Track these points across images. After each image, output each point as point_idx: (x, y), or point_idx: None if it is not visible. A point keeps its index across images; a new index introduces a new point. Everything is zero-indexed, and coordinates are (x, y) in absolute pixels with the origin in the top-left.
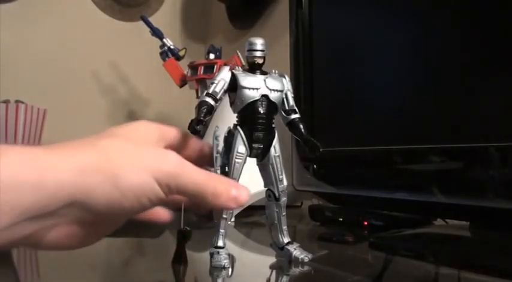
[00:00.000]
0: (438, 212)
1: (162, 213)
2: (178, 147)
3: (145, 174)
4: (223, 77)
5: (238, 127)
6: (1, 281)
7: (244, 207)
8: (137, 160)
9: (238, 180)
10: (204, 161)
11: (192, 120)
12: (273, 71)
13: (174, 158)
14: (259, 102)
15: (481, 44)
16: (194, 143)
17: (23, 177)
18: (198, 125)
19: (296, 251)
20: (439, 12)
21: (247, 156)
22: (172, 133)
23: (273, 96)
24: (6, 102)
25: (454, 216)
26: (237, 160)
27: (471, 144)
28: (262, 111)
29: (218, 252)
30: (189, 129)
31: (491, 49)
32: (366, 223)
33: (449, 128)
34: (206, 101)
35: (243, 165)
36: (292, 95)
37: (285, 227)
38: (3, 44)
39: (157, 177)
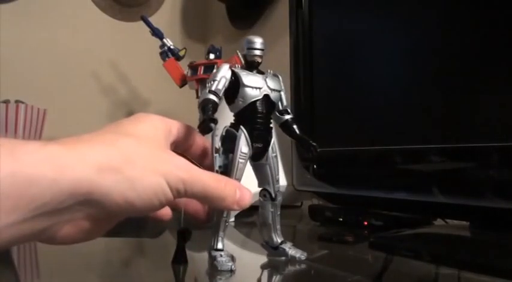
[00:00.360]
0: (438, 212)
1: (164, 212)
2: (185, 142)
3: (159, 178)
4: (224, 75)
5: (241, 127)
6: (1, 281)
7: None
8: (152, 163)
9: (240, 181)
10: (207, 156)
11: (204, 119)
12: (269, 70)
13: (185, 163)
14: (260, 102)
15: (481, 43)
16: (199, 139)
17: (42, 173)
18: (211, 124)
19: (291, 250)
20: (439, 12)
21: (249, 156)
22: (177, 127)
23: (273, 96)
24: (6, 102)
25: (454, 216)
26: (240, 160)
27: (471, 144)
28: (263, 111)
29: (221, 255)
30: (199, 128)
31: (491, 49)
32: (366, 223)
33: (449, 128)
34: (210, 99)
35: (246, 165)
36: (285, 95)
37: (278, 227)
38: (3, 44)
39: (169, 181)
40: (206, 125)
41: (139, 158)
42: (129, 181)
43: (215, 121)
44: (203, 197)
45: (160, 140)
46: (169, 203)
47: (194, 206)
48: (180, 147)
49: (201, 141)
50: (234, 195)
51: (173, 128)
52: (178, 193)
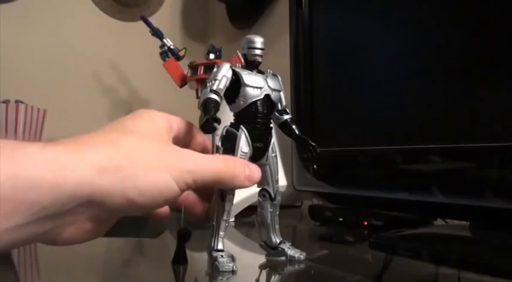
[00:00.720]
0: (438, 212)
1: (162, 210)
2: (185, 139)
3: (163, 174)
4: (225, 74)
5: (241, 127)
6: (1, 281)
7: (245, 206)
8: (156, 160)
9: None
10: (206, 154)
11: (207, 119)
12: (268, 70)
13: (189, 154)
14: (261, 102)
15: (481, 43)
16: (199, 136)
17: (42, 176)
18: (215, 123)
19: (290, 250)
20: (439, 13)
21: (250, 155)
22: (177, 123)
23: (274, 96)
24: (6, 102)
25: (454, 216)
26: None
27: (471, 144)
28: (263, 111)
29: (222, 256)
30: (203, 128)
31: (491, 49)
32: (366, 223)
33: (449, 128)
34: (212, 98)
35: None
36: (284, 95)
37: (277, 227)
38: (3, 44)
39: (176, 176)
40: (210, 124)
41: (141, 156)
42: (130, 180)
43: (218, 121)
44: (215, 182)
45: (163, 135)
46: (176, 197)
47: (192, 202)
48: (180, 143)
49: (201, 139)
50: (244, 173)
51: (174, 123)
52: (187, 185)
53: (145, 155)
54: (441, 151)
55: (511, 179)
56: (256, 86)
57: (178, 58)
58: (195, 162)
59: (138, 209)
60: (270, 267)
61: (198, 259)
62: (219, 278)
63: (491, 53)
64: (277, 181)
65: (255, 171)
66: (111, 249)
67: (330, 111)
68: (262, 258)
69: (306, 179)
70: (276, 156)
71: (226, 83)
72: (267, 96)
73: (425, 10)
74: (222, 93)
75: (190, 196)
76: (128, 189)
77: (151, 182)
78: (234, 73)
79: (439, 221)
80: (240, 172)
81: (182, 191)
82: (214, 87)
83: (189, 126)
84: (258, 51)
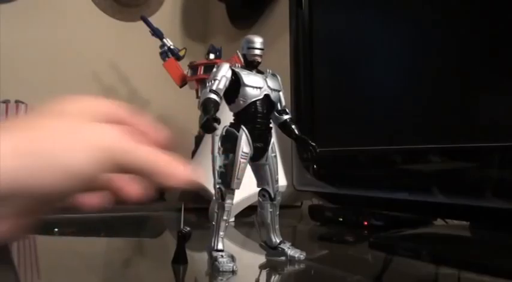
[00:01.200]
0: (438, 212)
1: (87, 199)
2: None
3: (83, 152)
4: (224, 74)
5: (242, 127)
6: (1, 281)
7: (245, 206)
8: (75, 138)
9: (241, 181)
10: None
11: (207, 119)
12: (268, 70)
13: (114, 133)
14: (261, 102)
15: (481, 43)
16: (149, 130)
17: None
18: (215, 123)
19: (290, 250)
20: (439, 13)
21: (251, 156)
22: (120, 112)
23: (273, 95)
24: (6, 102)
25: (454, 216)
26: (242, 160)
27: (471, 144)
28: (263, 111)
29: (222, 256)
30: (203, 128)
31: (491, 49)
32: (366, 223)
33: (449, 128)
34: (212, 98)
35: (247, 165)
36: (284, 95)
37: (277, 227)
38: (3, 44)
39: (95, 154)
40: (209, 124)
41: (61, 135)
42: (49, 160)
43: (218, 120)
44: (141, 171)
45: (87, 115)
46: (94, 180)
47: (123, 182)
48: None
49: (151, 133)
50: (177, 170)
51: (101, 107)
52: (103, 167)
53: (63, 134)
54: (441, 151)
55: (511, 179)
56: (256, 86)
57: (178, 58)
58: (118, 141)
59: (62, 192)
60: (270, 267)
61: (198, 259)
62: (219, 278)
63: (492, 53)
64: (277, 181)
65: (181, 169)
66: (111, 249)
67: (330, 111)
68: (262, 258)
69: (306, 179)
70: (275, 156)
71: (225, 83)
72: (267, 96)
73: (426, 10)
74: (221, 93)
75: (122, 177)
76: (47, 172)
77: (69, 161)
78: (234, 73)
79: (439, 221)
80: (171, 168)
81: (100, 172)
82: (214, 87)
83: (137, 118)
84: (257, 51)
